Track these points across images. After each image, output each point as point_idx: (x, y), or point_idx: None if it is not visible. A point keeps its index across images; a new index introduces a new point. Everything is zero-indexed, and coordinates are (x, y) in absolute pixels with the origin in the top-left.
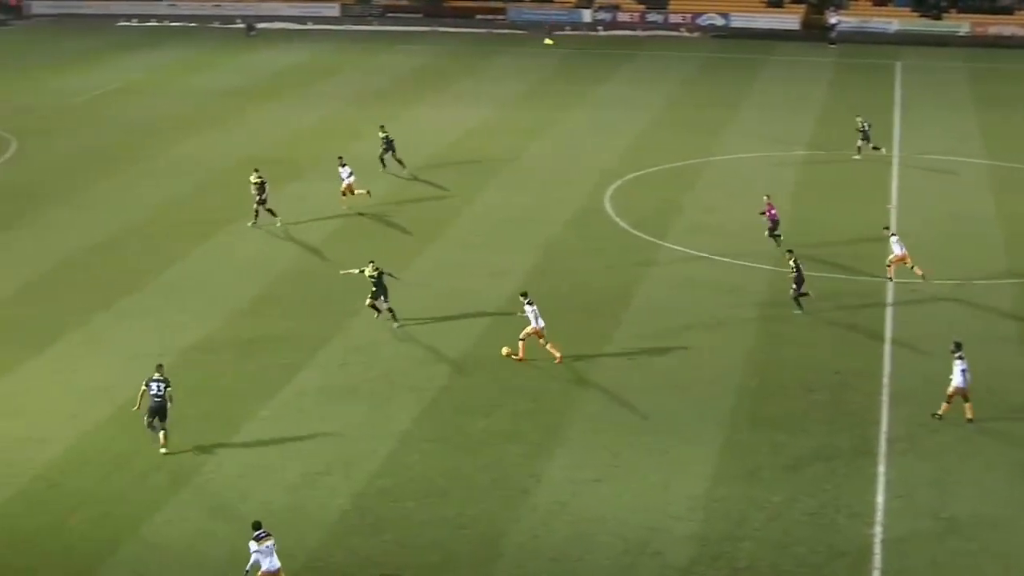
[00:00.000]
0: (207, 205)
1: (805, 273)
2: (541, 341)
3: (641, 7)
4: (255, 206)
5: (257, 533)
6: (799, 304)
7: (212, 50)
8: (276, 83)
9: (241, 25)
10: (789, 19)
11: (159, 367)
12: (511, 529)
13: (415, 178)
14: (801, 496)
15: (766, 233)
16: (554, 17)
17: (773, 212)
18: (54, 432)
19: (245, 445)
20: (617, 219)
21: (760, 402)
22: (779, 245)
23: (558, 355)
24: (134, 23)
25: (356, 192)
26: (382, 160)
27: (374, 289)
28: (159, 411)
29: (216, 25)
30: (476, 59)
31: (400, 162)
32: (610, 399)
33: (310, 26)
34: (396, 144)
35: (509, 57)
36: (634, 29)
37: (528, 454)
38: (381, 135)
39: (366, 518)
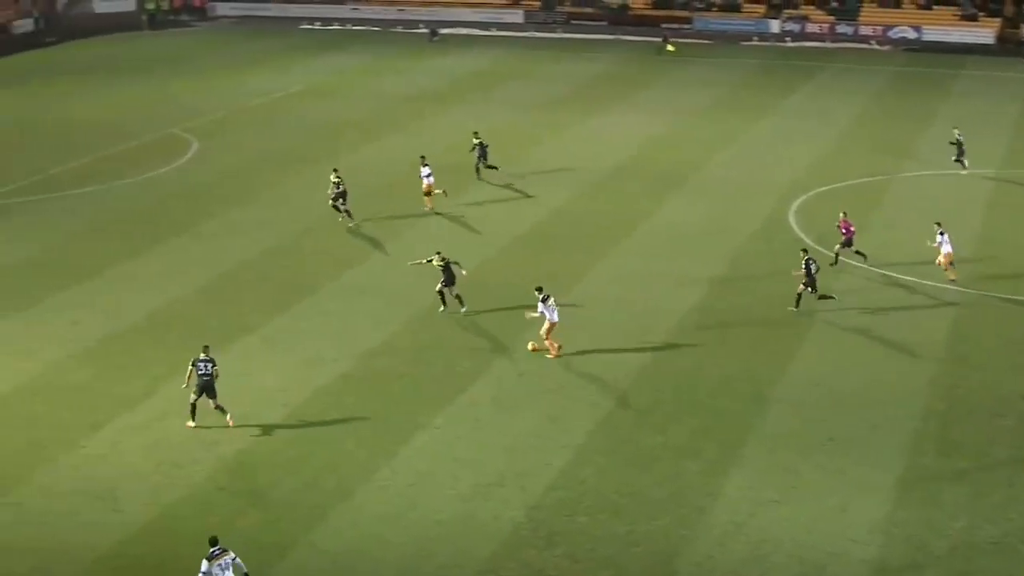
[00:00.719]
0: (385, 209)
1: (816, 275)
2: (545, 335)
3: (831, 19)
4: (331, 203)
5: (212, 551)
6: (798, 302)
7: (394, 55)
8: (457, 88)
9: (424, 30)
10: (984, 33)
11: (205, 348)
12: (685, 548)
13: (510, 186)
14: (984, 524)
15: (836, 247)
16: (741, 27)
17: (850, 229)
18: (225, 434)
19: (417, 453)
20: (801, 234)
21: (945, 426)
22: (866, 260)
23: (555, 350)
24: (317, 26)
25: (434, 192)
26: (477, 169)
27: (443, 278)
28: (207, 388)
29: (399, 30)
30: (660, 68)
31: (492, 167)
32: (790, 418)
33: (493, 32)
34: (489, 151)
35: (694, 67)
36: (823, 40)
37: (705, 471)
38: (475, 141)
39: (539, 531)
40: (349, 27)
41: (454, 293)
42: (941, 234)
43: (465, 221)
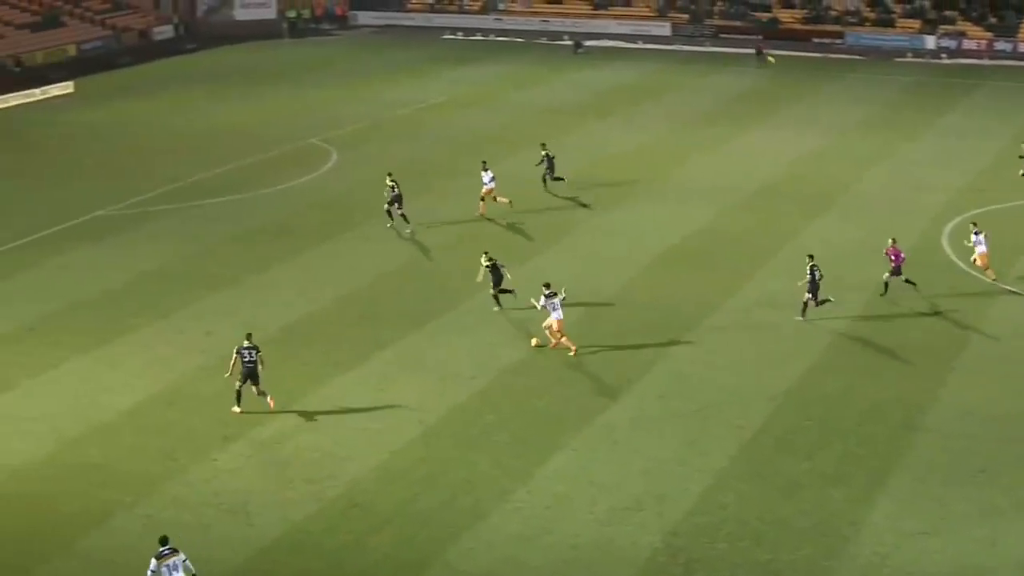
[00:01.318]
0: (525, 224)
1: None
2: (558, 334)
3: (989, 35)
4: (386, 207)
5: (161, 550)
6: (804, 311)
7: (537, 66)
8: (601, 102)
9: (568, 42)
10: None
11: (248, 335)
12: None
13: (576, 200)
14: None
15: (885, 275)
16: (895, 43)
17: (900, 256)
18: (360, 450)
19: (554, 475)
20: (954, 257)
21: None
22: (916, 287)
23: (573, 348)
24: (459, 36)
25: (499, 200)
26: (544, 181)
27: (492, 279)
28: (251, 375)
29: (543, 41)
30: (811, 84)
31: (558, 178)
32: (941, 447)
33: (639, 45)
34: (557, 163)
35: (846, 83)
36: (980, 58)
37: (850, 500)
38: (543, 153)
39: (677, 558)
40: (492, 38)
41: (494, 292)
42: (976, 234)
43: (610, 239)
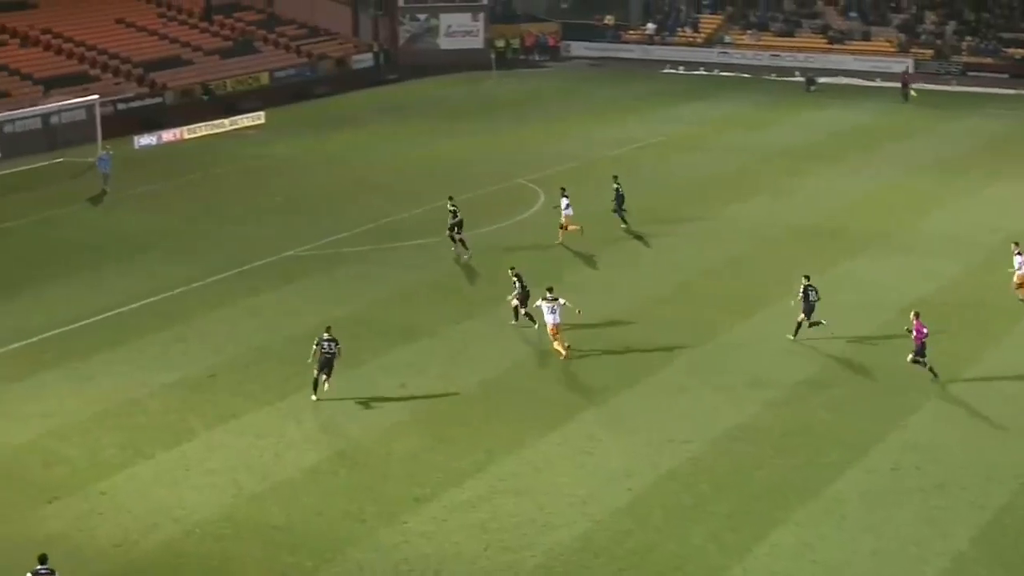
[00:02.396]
0: (749, 277)
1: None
2: (552, 337)
3: None
4: (447, 232)
5: (38, 568)
6: (796, 331)
7: (765, 105)
8: (835, 144)
9: (800, 79)
10: None
11: (328, 328)
12: None
13: (637, 236)
14: None
15: (908, 357)
16: None
17: (923, 331)
18: (562, 517)
19: (774, 552)
20: None
21: None
22: (936, 377)
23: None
24: (680, 71)
25: (570, 228)
26: (617, 213)
27: (518, 291)
28: (327, 364)
29: (772, 77)
30: None
31: (623, 219)
32: None
33: (877, 83)
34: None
35: None
36: None
37: None
38: (614, 186)
39: None
40: (716, 73)
41: (524, 311)
42: (1019, 254)
43: (849, 290)
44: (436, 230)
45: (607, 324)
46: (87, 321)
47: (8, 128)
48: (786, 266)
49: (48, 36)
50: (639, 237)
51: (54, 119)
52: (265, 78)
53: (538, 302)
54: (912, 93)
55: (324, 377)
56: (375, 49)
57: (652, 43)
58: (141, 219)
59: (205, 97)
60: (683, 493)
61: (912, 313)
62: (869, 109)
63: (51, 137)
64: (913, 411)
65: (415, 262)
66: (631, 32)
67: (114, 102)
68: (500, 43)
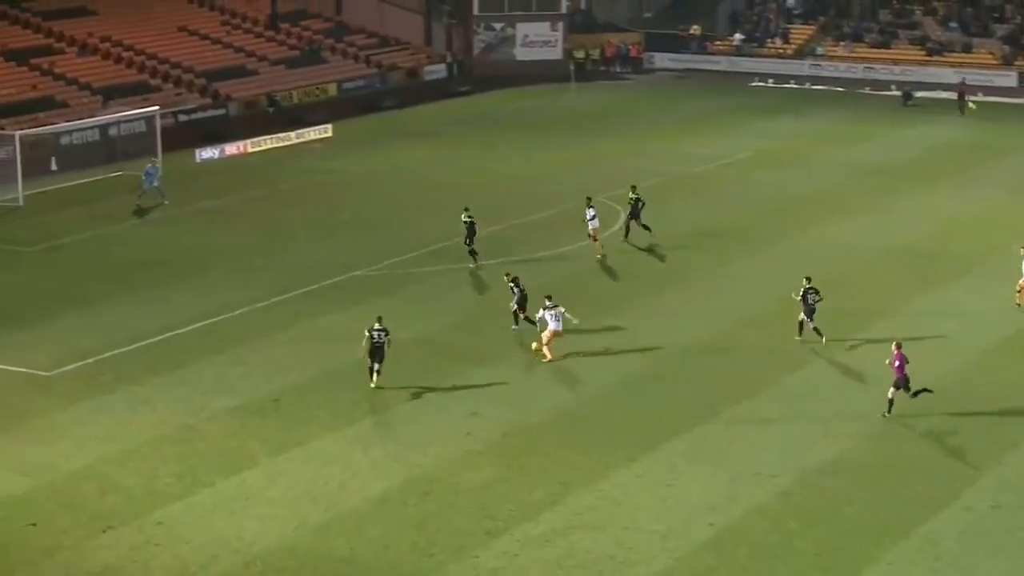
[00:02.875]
0: (842, 303)
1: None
2: (547, 343)
3: None
4: (466, 244)
5: None
6: (801, 330)
7: (860, 119)
8: (933, 162)
9: (896, 92)
10: None
11: (379, 319)
12: None
13: (651, 251)
14: None
15: (890, 392)
16: None
17: (902, 363)
18: (641, 554)
19: None
20: None
21: None
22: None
23: (550, 355)
24: (770, 84)
25: (596, 243)
26: (626, 227)
27: (517, 296)
28: (378, 353)
29: (866, 91)
30: None
31: (646, 227)
32: None
33: (979, 96)
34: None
35: None
36: None
37: None
38: (631, 196)
39: None
40: (808, 86)
41: (524, 315)
42: None
43: (946, 317)
44: (511, 249)
45: (693, 349)
46: (145, 342)
47: (65, 140)
48: (882, 290)
49: (107, 44)
50: (727, 260)
51: (113, 131)
52: (333, 89)
53: (540, 312)
54: (970, 105)
55: (376, 367)
56: (448, 60)
57: (740, 54)
58: (202, 236)
59: (270, 109)
60: (770, 530)
61: (894, 344)
62: (969, 125)
63: (110, 149)
64: (1013, 447)
65: (488, 283)
66: (718, 43)
67: (175, 113)
68: (579, 54)
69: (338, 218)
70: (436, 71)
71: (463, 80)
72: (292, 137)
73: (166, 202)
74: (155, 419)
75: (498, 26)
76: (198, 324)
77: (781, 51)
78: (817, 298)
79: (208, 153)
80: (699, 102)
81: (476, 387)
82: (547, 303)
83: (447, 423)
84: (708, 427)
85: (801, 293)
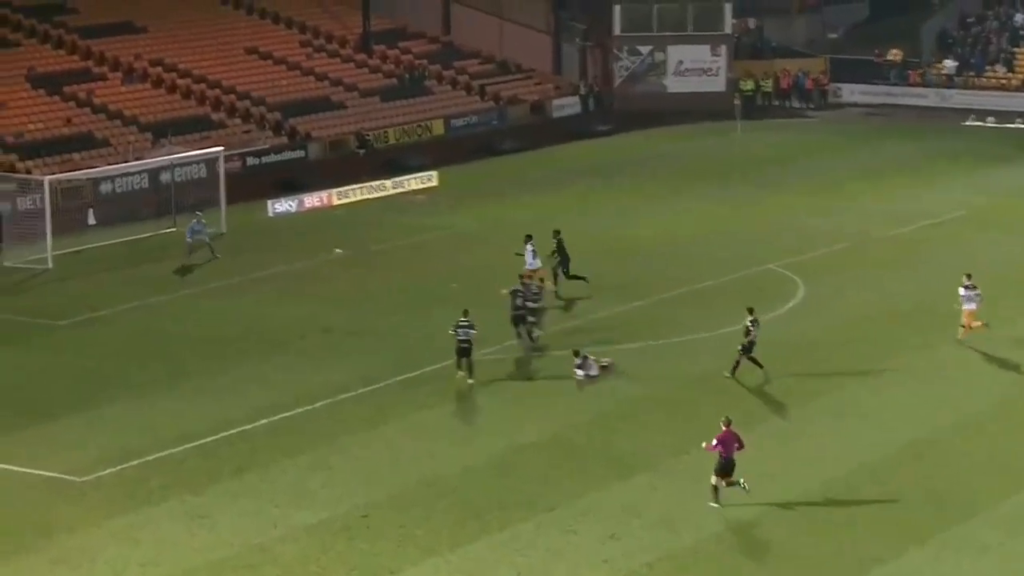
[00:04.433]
0: None
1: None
2: None
3: None
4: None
5: None
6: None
7: None
8: None
9: None
10: None
11: (465, 312)
12: None
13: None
14: None
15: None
16: None
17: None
18: None
19: None
20: None
21: None
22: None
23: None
24: (989, 123)
25: (546, 283)
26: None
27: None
28: (464, 353)
29: None
30: None
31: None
32: None
33: None
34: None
35: None
36: None
37: None
38: (554, 240)
39: None
40: None
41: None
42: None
43: None
44: (662, 329)
45: (879, 468)
46: (201, 441)
47: (106, 187)
48: None
49: (159, 69)
50: (932, 346)
51: (165, 176)
52: (439, 127)
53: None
54: None
55: (464, 368)
56: (582, 91)
57: (951, 85)
58: (273, 308)
59: (360, 151)
60: None
61: (723, 419)
62: None
63: (160, 199)
64: None
65: (630, 371)
66: (922, 71)
67: (242, 155)
68: (747, 84)
69: (444, 288)
70: (567, 105)
71: (600, 117)
72: (387, 186)
73: (218, 256)
74: (214, 538)
75: (644, 49)
76: (268, 419)
77: (1005, 81)
78: (757, 330)
79: (283, 205)
80: (898, 146)
81: (615, 503)
82: (575, 358)
83: (578, 548)
84: (915, 554)
85: (747, 325)
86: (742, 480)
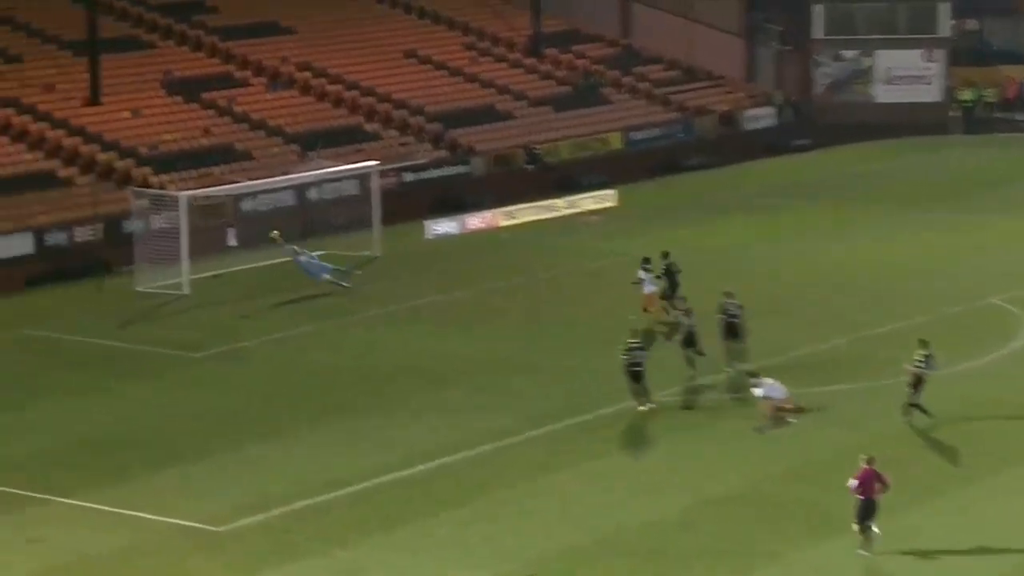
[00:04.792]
0: None
1: None
2: None
3: None
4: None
5: None
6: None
7: None
8: None
9: None
10: None
11: (634, 331)
12: None
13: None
14: None
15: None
16: None
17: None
18: None
19: None
20: None
21: None
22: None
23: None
24: None
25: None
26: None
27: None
28: (636, 378)
29: None
30: None
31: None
32: None
33: None
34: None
35: None
36: None
37: None
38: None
39: None
40: None
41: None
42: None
43: None
44: (861, 370)
45: None
46: (351, 488)
47: (247, 204)
48: None
49: (307, 74)
50: None
51: (313, 193)
52: (617, 140)
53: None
54: None
55: (636, 396)
56: (779, 101)
57: None
58: (434, 341)
59: (530, 166)
60: None
61: (863, 456)
62: None
63: (307, 218)
64: None
65: (839, 416)
66: None
67: (399, 171)
68: (967, 94)
69: (620, 321)
70: (761, 116)
71: (799, 130)
72: (559, 206)
73: (345, 285)
74: None
75: (849, 54)
76: (425, 464)
77: None
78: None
79: (443, 226)
80: None
81: (820, 566)
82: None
83: None
84: None
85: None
86: (874, 526)
